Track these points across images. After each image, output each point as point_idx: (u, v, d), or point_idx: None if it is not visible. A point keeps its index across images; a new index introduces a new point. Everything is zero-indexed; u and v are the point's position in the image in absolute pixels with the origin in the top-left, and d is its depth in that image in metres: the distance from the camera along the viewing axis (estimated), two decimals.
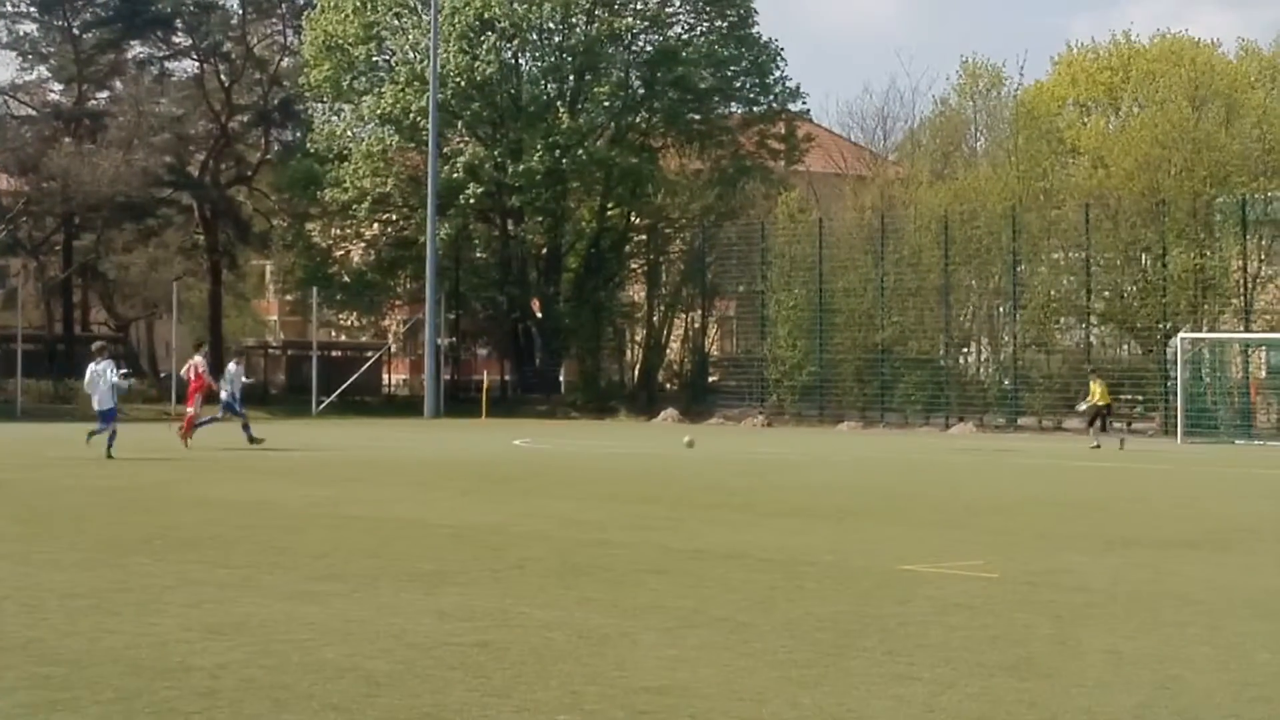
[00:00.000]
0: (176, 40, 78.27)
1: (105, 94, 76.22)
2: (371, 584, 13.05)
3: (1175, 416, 47.29)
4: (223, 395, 38.19)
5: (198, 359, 37.90)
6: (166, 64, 78.50)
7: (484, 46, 64.41)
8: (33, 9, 74.82)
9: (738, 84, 70.04)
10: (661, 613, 11.62)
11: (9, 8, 74.48)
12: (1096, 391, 43.16)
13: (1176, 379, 48.09)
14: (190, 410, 36.44)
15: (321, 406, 62.08)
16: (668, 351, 69.08)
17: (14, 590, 12.56)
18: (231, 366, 40.52)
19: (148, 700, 8.43)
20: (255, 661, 9.50)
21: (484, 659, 9.65)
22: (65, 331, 72.25)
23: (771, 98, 69.89)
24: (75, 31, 74.87)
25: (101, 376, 32.12)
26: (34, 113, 74.71)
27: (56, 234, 72.58)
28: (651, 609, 11.81)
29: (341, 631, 10.61)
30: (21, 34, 75.84)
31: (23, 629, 10.66)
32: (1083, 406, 44.97)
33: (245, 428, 36.59)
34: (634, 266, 71.77)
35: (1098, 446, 40.62)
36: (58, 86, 77.18)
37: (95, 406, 32.13)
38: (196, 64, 77.90)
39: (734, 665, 9.56)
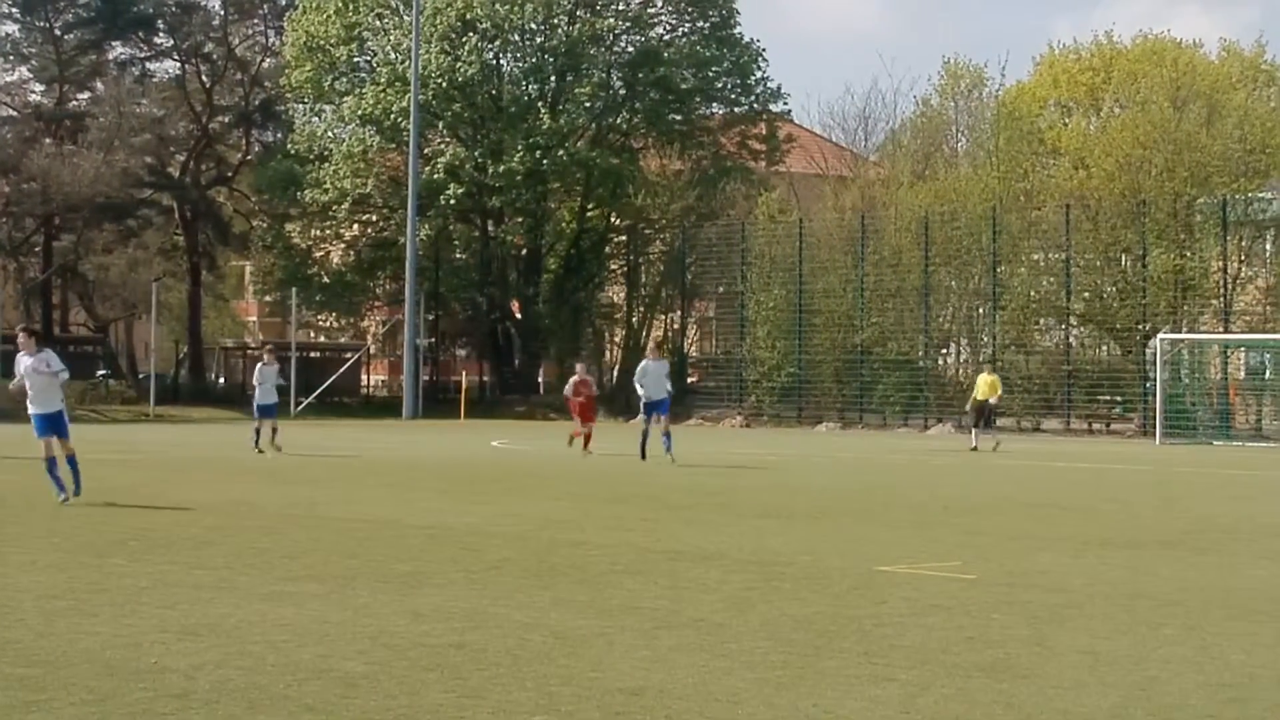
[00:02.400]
0: (158, 41, 78.28)
1: (86, 95, 76.09)
2: (348, 585, 13.02)
3: (1154, 417, 47.37)
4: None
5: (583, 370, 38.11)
6: (148, 65, 78.58)
7: (465, 47, 64.39)
8: (14, 9, 74.68)
9: (719, 84, 70.11)
10: (637, 613, 11.61)
11: None
12: (982, 386, 41.60)
13: (1155, 380, 48.18)
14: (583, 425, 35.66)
15: (300, 408, 61.99)
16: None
17: None
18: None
19: (122, 701, 8.40)
20: (230, 663, 9.47)
21: (460, 660, 9.63)
22: (44, 332, 72.02)
23: (753, 98, 70.01)
24: (57, 32, 74.73)
25: (268, 378, 35.35)
26: (14, 113, 74.61)
27: (36, 235, 72.45)
28: (627, 610, 11.80)
29: (317, 633, 10.58)
30: (3, 35, 75.86)
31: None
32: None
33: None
34: (614, 267, 71.78)
35: (975, 449, 39.98)
36: (39, 87, 77.13)
37: (257, 400, 35.20)
38: (178, 65, 77.90)
39: (710, 666, 9.55)
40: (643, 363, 32.94)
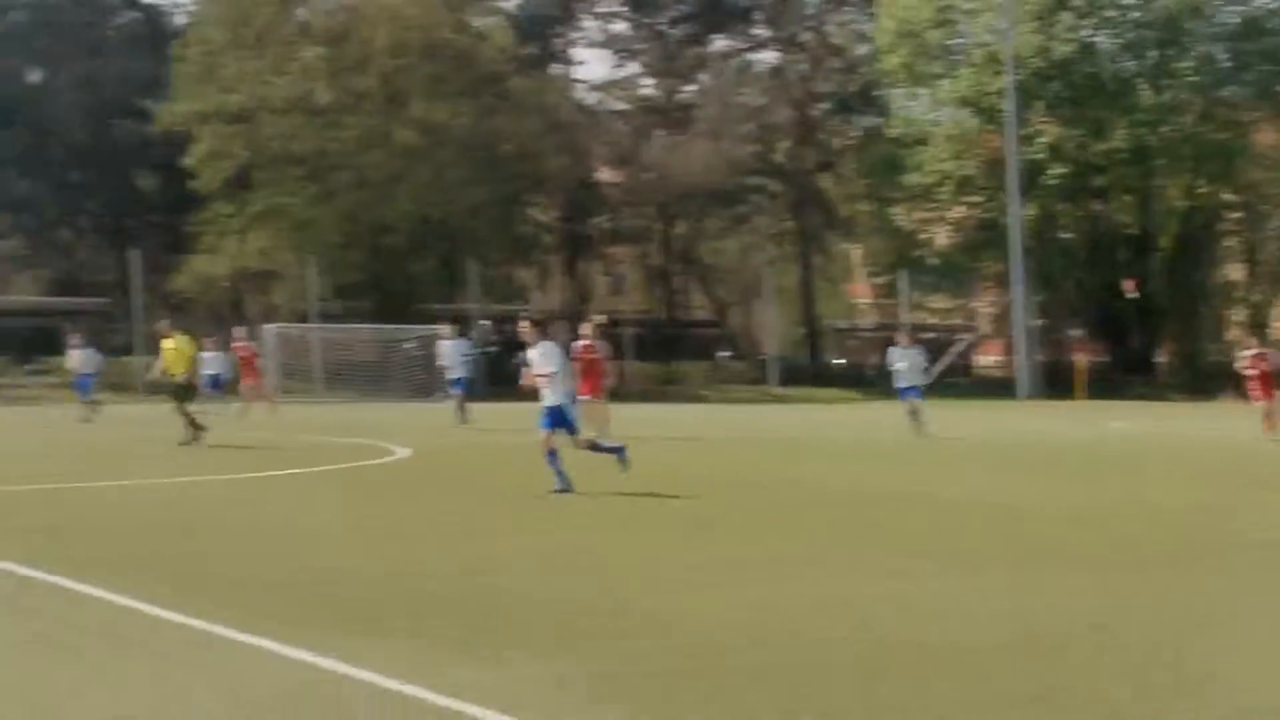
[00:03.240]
0: (756, 33, 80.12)
1: (692, 87, 78.57)
2: (967, 565, 13.16)
3: None
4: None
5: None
6: (748, 56, 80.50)
7: (1059, 25, 63.57)
8: (624, 8, 77.85)
9: None
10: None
11: (603, 9, 77.90)
12: None
13: None
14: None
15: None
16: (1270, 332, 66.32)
17: (638, 564, 13.27)
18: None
19: (767, 669, 8.79)
20: (856, 637, 9.76)
21: (1099, 640, 9.66)
22: (669, 315, 74.81)
23: None
24: (663, 28, 77.46)
25: (907, 358, 34.34)
26: (628, 107, 77.71)
27: (655, 222, 75.23)
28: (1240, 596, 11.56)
29: (937, 609, 10.76)
30: (615, 33, 79.21)
31: (641, 599, 11.23)
32: None
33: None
34: (1229, 244, 69.43)
35: None
36: (648, 81, 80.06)
37: (899, 383, 34.23)
38: (776, 55, 79.51)
39: None
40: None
